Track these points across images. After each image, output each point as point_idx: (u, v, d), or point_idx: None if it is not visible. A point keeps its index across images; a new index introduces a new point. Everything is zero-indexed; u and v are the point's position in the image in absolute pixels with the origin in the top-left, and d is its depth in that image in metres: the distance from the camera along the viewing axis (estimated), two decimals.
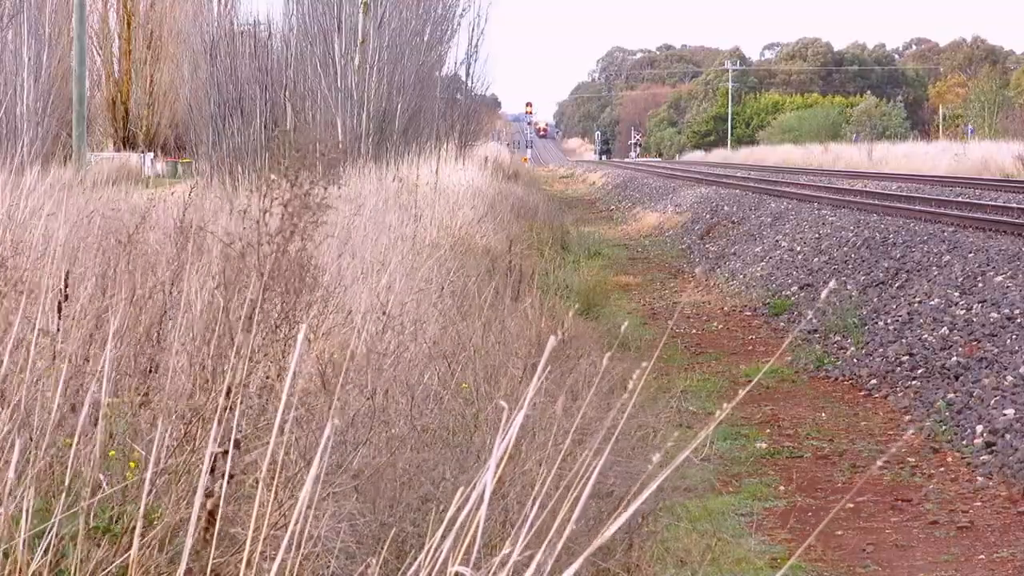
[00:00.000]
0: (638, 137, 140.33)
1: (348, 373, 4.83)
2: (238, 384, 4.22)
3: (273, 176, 4.32)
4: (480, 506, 2.66)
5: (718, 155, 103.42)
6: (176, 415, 4.48)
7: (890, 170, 53.15)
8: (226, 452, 3.81)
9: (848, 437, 11.32)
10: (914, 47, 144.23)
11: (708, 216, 33.02)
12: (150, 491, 4.01)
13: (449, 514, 2.75)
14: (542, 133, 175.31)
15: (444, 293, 9.42)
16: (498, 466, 2.60)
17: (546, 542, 2.65)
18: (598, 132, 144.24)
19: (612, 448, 3.06)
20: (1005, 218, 20.75)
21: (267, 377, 4.55)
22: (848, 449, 10.90)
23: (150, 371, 4.98)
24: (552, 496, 2.85)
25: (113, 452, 4.39)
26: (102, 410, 4.23)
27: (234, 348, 4.29)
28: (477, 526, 2.70)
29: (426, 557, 2.88)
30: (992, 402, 11.14)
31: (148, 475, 3.83)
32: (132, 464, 4.35)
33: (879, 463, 10.19)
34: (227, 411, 4.04)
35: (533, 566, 2.65)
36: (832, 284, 6.17)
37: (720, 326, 18.19)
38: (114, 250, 5.81)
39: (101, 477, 4.14)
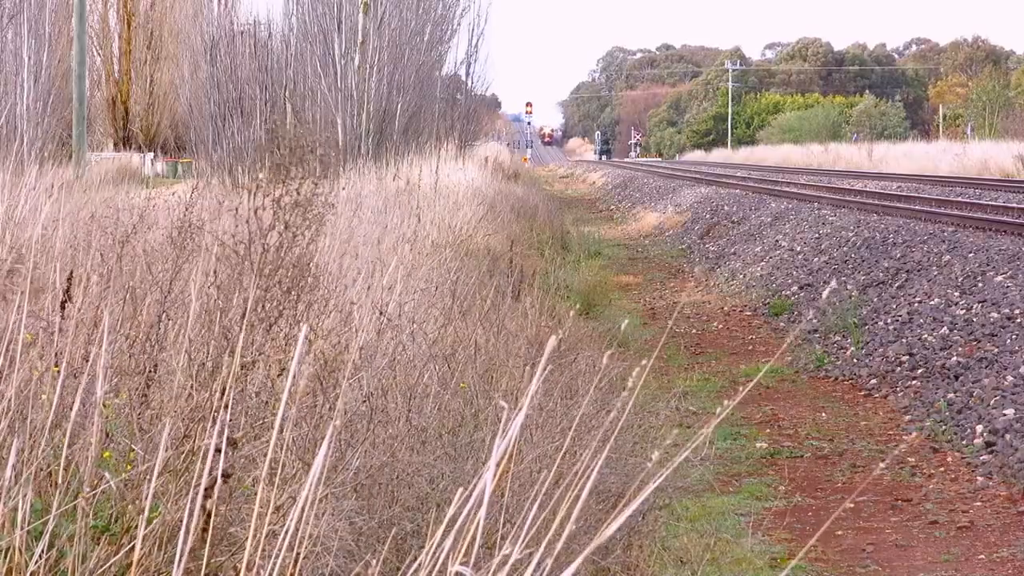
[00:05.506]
0: (638, 137, 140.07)
1: (347, 373, 4.83)
2: (236, 383, 4.21)
3: (261, 175, 4.31)
4: (480, 506, 2.65)
5: (718, 155, 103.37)
6: (175, 414, 4.48)
7: (890, 170, 53.12)
8: (223, 451, 3.80)
9: (848, 437, 11.32)
10: (914, 47, 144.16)
11: (708, 216, 33.01)
12: (148, 491, 4.00)
13: (449, 514, 2.75)
14: (547, 140, 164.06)
15: (444, 293, 9.41)
16: (498, 466, 2.60)
17: (545, 541, 2.64)
18: (598, 132, 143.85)
19: (611, 446, 3.05)
20: (1005, 218, 20.73)
21: (267, 376, 4.54)
22: (848, 449, 10.89)
23: (149, 370, 4.98)
24: (551, 495, 2.84)
25: (108, 453, 4.38)
26: (98, 408, 4.22)
27: (232, 347, 4.28)
28: (477, 526, 2.69)
29: (426, 556, 2.88)
30: (992, 402, 11.13)
31: (149, 474, 3.82)
32: (128, 466, 4.34)
33: (881, 466, 10.18)
34: (225, 410, 4.03)
35: (533, 565, 2.65)
36: (833, 284, 6.19)
37: (720, 326, 18.18)
38: (112, 249, 5.80)
39: (99, 476, 4.13)
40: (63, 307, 4.96)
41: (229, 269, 4.47)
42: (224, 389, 4.11)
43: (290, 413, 3.74)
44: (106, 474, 4.19)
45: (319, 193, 4.31)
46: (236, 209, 4.37)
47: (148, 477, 3.87)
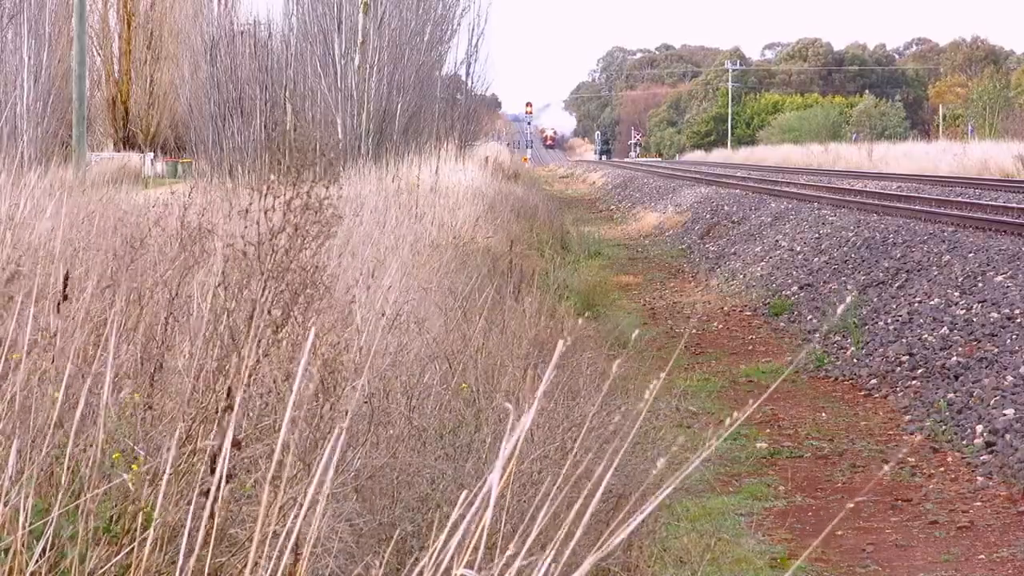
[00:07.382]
0: (638, 137, 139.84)
1: (351, 375, 4.83)
2: (240, 384, 4.21)
3: (272, 176, 4.31)
4: (486, 508, 2.66)
5: (718, 155, 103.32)
6: (178, 415, 4.48)
7: (890, 170, 53.10)
8: (228, 452, 3.80)
9: (848, 437, 11.32)
10: (914, 47, 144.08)
11: (708, 216, 33.01)
12: (150, 491, 4.01)
13: (453, 517, 2.75)
14: (549, 142, 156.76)
15: (444, 293, 9.42)
16: (503, 468, 2.60)
17: (552, 547, 2.65)
18: (598, 132, 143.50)
19: (613, 449, 3.06)
20: (1005, 218, 20.73)
21: (271, 379, 4.55)
22: (848, 449, 10.90)
23: (153, 371, 4.98)
24: (555, 498, 2.85)
25: (117, 455, 4.38)
26: (102, 409, 4.22)
27: (239, 349, 4.29)
28: (482, 529, 2.70)
29: (430, 559, 2.88)
30: (992, 402, 11.14)
31: (149, 475, 3.82)
32: (135, 467, 4.35)
33: (885, 468, 10.19)
34: (228, 411, 4.04)
35: (540, 570, 2.65)
36: (848, 300, 6.18)
37: (720, 326, 18.19)
38: (119, 250, 5.81)
39: (101, 476, 4.13)
40: (58, 307, 4.96)
41: (237, 271, 4.47)
42: (229, 391, 4.12)
43: (297, 415, 3.74)
44: (104, 475, 4.20)
45: (328, 196, 4.32)
46: (246, 210, 4.37)
47: (151, 479, 3.87)
